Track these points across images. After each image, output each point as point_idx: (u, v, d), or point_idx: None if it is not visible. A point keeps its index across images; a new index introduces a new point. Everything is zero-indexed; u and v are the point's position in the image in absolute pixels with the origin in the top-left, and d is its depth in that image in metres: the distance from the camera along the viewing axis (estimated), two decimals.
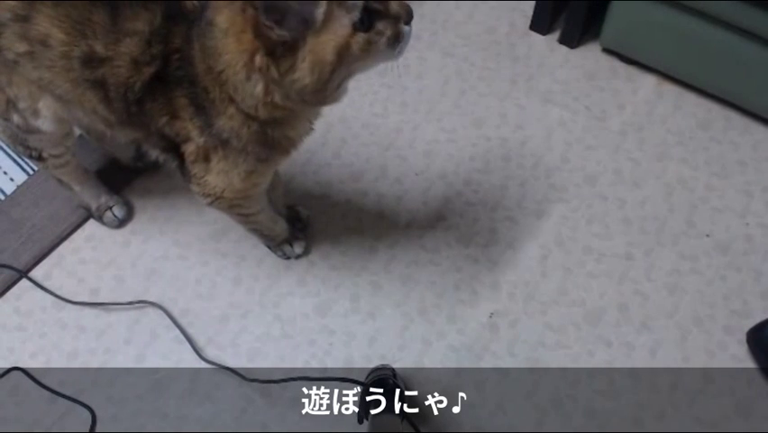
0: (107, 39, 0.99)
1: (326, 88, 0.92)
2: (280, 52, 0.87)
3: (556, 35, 1.82)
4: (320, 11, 0.84)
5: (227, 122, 1.01)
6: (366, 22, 0.87)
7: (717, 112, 1.68)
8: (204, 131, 1.04)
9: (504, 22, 1.86)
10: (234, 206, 1.21)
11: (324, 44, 0.86)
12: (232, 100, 0.98)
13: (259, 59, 0.88)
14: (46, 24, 0.99)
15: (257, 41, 0.87)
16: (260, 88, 0.92)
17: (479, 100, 1.72)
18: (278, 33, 0.84)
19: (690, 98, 1.70)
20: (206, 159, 1.09)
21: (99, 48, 0.99)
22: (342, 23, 0.86)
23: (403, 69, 1.72)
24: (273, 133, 1.06)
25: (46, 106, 1.16)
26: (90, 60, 1.01)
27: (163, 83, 1.01)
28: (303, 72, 0.88)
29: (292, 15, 0.83)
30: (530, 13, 1.82)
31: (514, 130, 1.67)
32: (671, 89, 1.72)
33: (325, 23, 0.85)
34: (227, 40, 0.89)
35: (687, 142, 1.64)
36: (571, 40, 1.80)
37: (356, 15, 0.86)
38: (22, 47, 1.03)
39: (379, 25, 0.89)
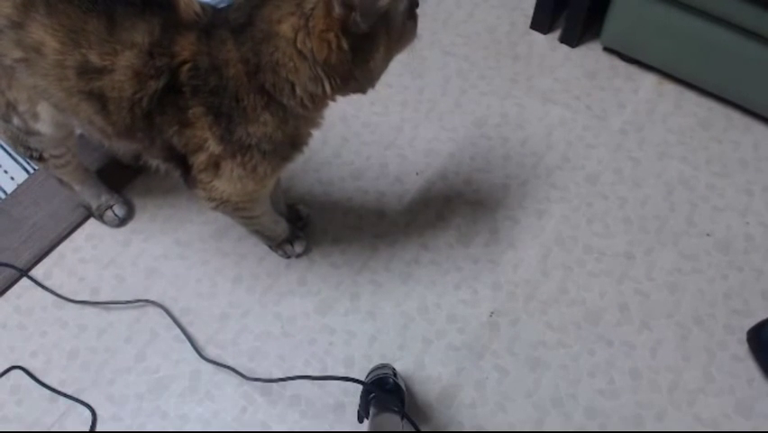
0: (103, 49, 0.98)
1: (382, 74, 1.02)
2: (359, 45, 0.93)
3: (557, 34, 1.82)
4: (385, 3, 0.90)
5: (260, 128, 1.02)
6: (410, 10, 0.98)
7: (717, 111, 1.68)
8: (224, 138, 1.04)
9: (505, 21, 1.86)
10: (239, 209, 1.22)
11: (392, 33, 0.96)
12: (266, 107, 1.00)
13: (336, 57, 0.93)
14: (40, 32, 0.98)
15: (342, 39, 0.91)
16: (326, 86, 0.97)
17: (479, 99, 1.72)
18: (362, 27, 0.90)
19: (691, 97, 1.70)
20: (216, 166, 1.09)
21: (94, 58, 0.98)
22: (399, 13, 0.95)
23: (403, 67, 1.73)
24: (304, 130, 1.10)
25: (45, 110, 1.16)
26: (85, 71, 1.00)
27: (174, 94, 1.01)
28: (378, 61, 0.97)
29: (373, 10, 0.89)
30: (531, 12, 1.82)
31: (515, 129, 1.67)
32: (671, 88, 1.72)
33: (391, 14, 0.94)
34: (293, 48, 0.92)
35: (687, 141, 1.64)
36: (571, 39, 1.80)
37: (406, 4, 0.96)
38: (17, 53, 1.02)
39: (412, 11, 1.00)
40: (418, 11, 1.02)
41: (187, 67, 0.99)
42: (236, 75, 0.98)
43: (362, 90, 1.04)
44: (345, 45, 0.91)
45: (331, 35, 0.90)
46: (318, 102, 1.02)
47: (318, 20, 0.90)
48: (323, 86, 0.97)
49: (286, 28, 0.92)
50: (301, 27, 0.91)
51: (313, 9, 0.90)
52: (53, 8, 0.97)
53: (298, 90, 0.98)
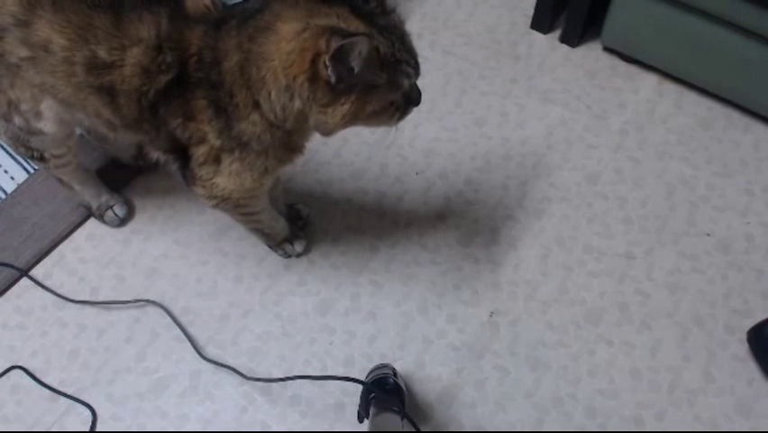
0: (110, 44, 0.99)
1: (337, 131, 1.02)
2: (322, 86, 0.92)
3: (557, 34, 1.82)
4: (382, 81, 0.94)
5: (249, 127, 1.02)
6: (401, 103, 1.01)
7: (717, 111, 1.68)
8: (222, 133, 1.04)
9: (505, 20, 1.86)
10: (239, 206, 1.22)
11: (366, 105, 0.96)
12: (256, 106, 0.99)
13: (301, 79, 0.92)
14: (47, 30, 0.98)
15: (309, 71, 0.90)
16: (298, 104, 0.95)
17: (479, 99, 1.72)
18: (329, 74, 0.89)
19: (691, 97, 1.70)
20: (217, 160, 1.09)
21: (102, 53, 0.99)
22: (387, 97, 0.98)
23: None
24: (297, 138, 1.10)
25: (48, 108, 1.16)
26: (94, 66, 1.00)
27: (180, 86, 1.01)
28: (335, 115, 0.96)
29: (354, 74, 0.89)
30: (531, 11, 1.82)
31: (515, 129, 1.67)
32: (671, 88, 1.72)
33: (377, 90, 0.95)
34: (281, 47, 0.91)
35: (688, 140, 1.63)
36: (571, 38, 1.80)
37: (398, 96, 0.99)
38: (23, 52, 1.02)
39: (407, 108, 1.04)
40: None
41: (193, 60, 1.00)
42: (231, 69, 0.98)
43: (319, 132, 1.04)
44: (307, 79, 0.91)
45: (307, 57, 0.89)
46: (292, 118, 0.99)
47: (309, 38, 0.89)
48: (294, 101, 0.95)
49: (287, 28, 0.91)
50: (298, 34, 0.90)
51: (315, 27, 0.89)
52: (59, 5, 0.98)
53: (273, 95, 0.96)
